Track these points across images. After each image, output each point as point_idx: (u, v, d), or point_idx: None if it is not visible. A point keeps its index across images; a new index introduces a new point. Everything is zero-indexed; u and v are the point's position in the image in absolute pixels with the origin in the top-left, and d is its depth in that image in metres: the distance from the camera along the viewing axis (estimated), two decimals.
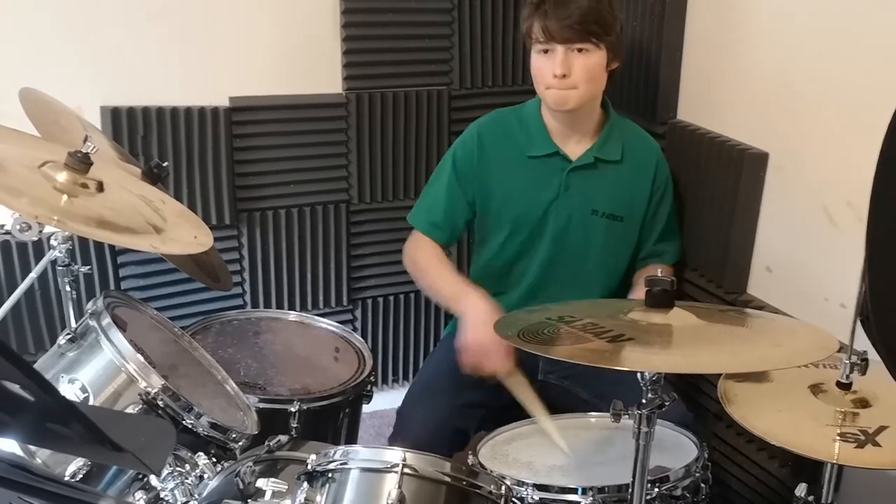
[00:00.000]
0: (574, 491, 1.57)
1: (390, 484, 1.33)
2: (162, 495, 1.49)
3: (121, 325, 1.58)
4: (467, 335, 1.92)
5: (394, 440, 1.98)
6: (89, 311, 1.59)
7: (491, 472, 1.58)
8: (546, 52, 1.99)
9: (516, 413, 1.88)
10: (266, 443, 1.65)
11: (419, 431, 1.91)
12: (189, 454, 1.53)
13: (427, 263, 2.16)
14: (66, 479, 1.41)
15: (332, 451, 1.40)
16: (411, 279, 2.77)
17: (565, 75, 1.96)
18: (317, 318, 2.22)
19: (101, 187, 1.52)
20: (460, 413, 1.95)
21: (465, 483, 1.38)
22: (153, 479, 1.50)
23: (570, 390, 2.08)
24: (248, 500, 1.44)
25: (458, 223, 2.17)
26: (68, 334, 1.58)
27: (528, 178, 2.11)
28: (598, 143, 2.11)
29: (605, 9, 1.98)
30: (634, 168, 2.14)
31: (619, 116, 2.18)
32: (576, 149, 2.11)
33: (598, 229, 2.12)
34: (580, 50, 1.96)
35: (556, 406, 2.03)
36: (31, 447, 1.39)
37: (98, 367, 1.54)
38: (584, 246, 2.13)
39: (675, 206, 2.23)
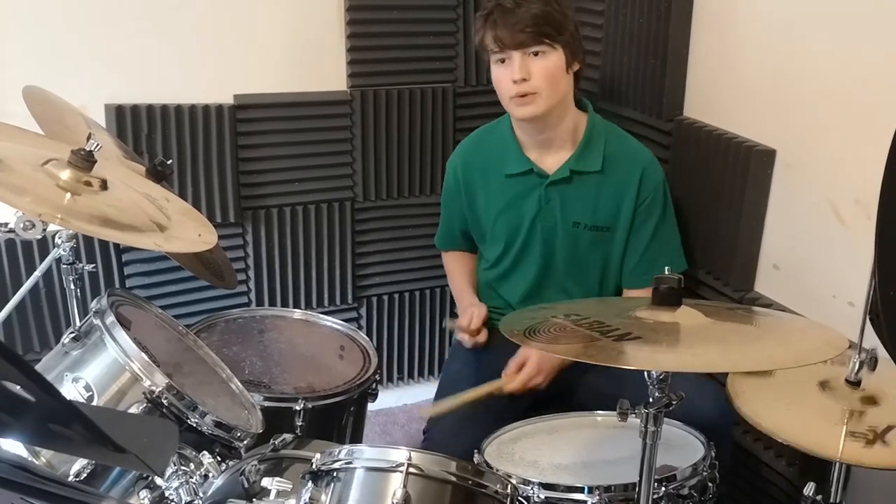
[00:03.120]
0: (580, 490, 1.56)
1: (395, 483, 1.32)
2: (167, 494, 1.48)
3: (125, 324, 1.58)
4: None
5: None
6: (93, 310, 1.58)
7: (497, 471, 1.58)
8: (503, 61, 1.98)
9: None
10: (271, 441, 1.65)
11: (451, 450, 1.87)
12: (194, 453, 1.53)
13: (448, 269, 2.37)
14: (70, 478, 1.41)
15: (337, 451, 1.39)
16: (416, 277, 2.81)
17: (525, 79, 1.94)
18: (322, 316, 2.22)
19: (104, 185, 1.51)
20: (489, 426, 1.88)
21: (470, 482, 1.37)
22: (158, 479, 1.49)
23: (583, 389, 2.07)
24: (253, 499, 1.44)
25: (467, 236, 2.29)
26: (72, 333, 1.57)
27: (509, 194, 2.11)
28: (576, 154, 2.07)
29: (555, 10, 1.95)
30: (617, 176, 2.08)
31: (606, 122, 2.14)
32: (552, 162, 2.08)
33: (584, 241, 2.10)
34: (536, 53, 1.95)
35: (570, 404, 2.02)
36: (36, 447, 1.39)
37: (102, 366, 1.53)
38: (575, 257, 2.12)
39: (675, 210, 2.16)
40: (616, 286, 2.17)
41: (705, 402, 1.77)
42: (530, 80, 1.95)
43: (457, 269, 2.33)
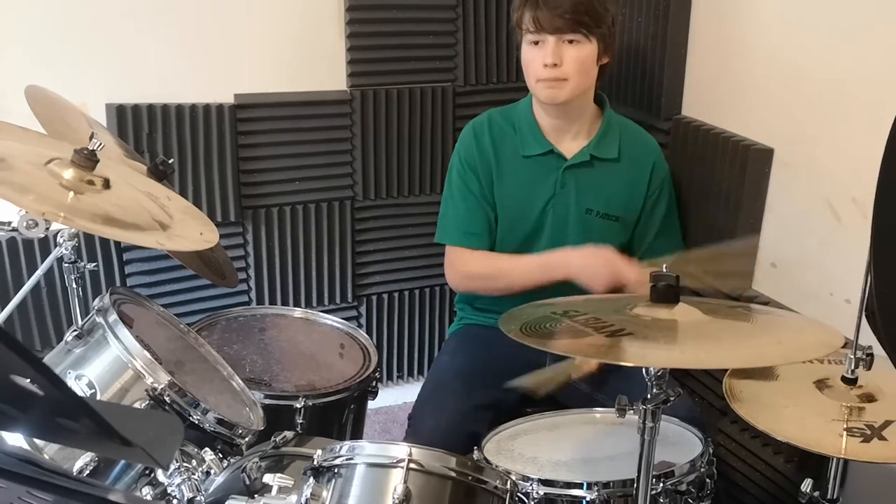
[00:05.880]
0: (579, 486, 1.57)
1: (396, 479, 1.33)
2: (169, 491, 1.49)
3: (127, 322, 1.58)
4: (588, 271, 1.98)
5: None
6: (96, 308, 1.59)
7: (496, 467, 1.59)
8: (536, 43, 1.99)
9: (526, 412, 1.89)
10: (272, 439, 1.65)
11: (432, 436, 1.88)
12: (196, 450, 1.53)
13: (490, 266, 2.13)
14: (75, 474, 1.42)
15: (338, 447, 1.40)
16: (416, 276, 2.81)
17: (556, 64, 1.95)
18: (322, 314, 2.22)
19: (107, 184, 1.52)
20: (472, 416, 1.93)
21: (470, 478, 1.38)
22: (160, 475, 1.50)
23: (577, 387, 2.08)
24: (255, 496, 1.44)
25: (492, 222, 2.13)
26: (75, 331, 1.58)
27: (523, 177, 2.10)
28: (595, 140, 2.10)
29: (597, 0, 1.97)
30: (631, 167, 2.12)
31: (617, 115, 2.17)
32: (571, 146, 2.11)
33: (594, 228, 2.11)
34: (571, 41, 1.96)
35: (563, 402, 2.03)
36: (39, 443, 1.40)
37: (105, 364, 1.54)
38: (583, 245, 2.12)
39: (677, 204, 2.22)
40: None
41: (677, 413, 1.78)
42: (561, 67, 1.96)
43: (503, 257, 2.12)
